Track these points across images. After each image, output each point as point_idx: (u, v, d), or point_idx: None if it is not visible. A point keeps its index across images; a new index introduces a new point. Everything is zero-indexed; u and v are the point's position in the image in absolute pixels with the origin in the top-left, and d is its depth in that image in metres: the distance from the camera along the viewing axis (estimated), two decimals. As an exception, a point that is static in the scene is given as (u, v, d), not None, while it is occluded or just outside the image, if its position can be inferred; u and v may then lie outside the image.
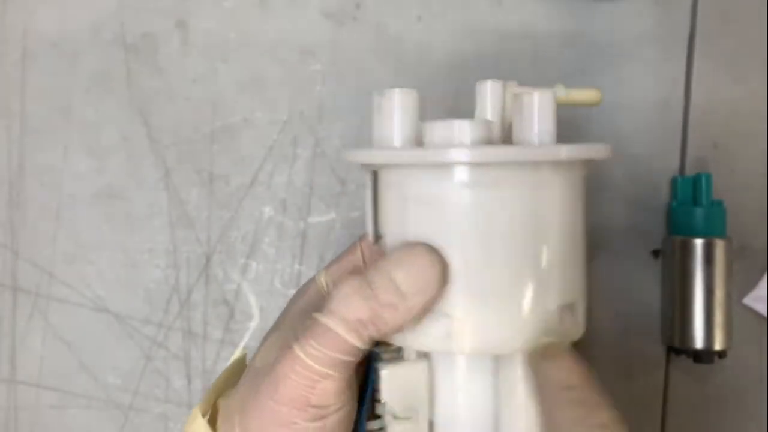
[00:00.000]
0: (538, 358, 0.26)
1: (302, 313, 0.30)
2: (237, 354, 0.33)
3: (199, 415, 0.28)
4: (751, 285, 0.47)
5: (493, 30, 0.47)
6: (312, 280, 0.33)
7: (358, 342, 0.26)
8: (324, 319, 0.26)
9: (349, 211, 0.46)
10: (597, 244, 0.47)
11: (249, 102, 0.46)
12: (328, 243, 0.46)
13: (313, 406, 0.25)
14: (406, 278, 0.25)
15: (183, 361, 0.45)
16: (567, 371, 0.25)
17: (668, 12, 0.48)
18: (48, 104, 0.46)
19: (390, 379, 0.27)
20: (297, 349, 0.26)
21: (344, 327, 0.25)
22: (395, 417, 0.27)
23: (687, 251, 0.45)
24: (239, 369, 0.32)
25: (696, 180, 0.45)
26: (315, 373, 0.25)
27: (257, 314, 0.42)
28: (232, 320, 0.46)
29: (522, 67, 0.47)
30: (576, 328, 0.30)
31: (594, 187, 0.47)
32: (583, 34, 0.47)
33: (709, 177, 0.45)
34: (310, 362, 0.25)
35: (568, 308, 0.28)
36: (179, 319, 0.46)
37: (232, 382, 0.31)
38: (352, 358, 0.26)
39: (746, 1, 0.48)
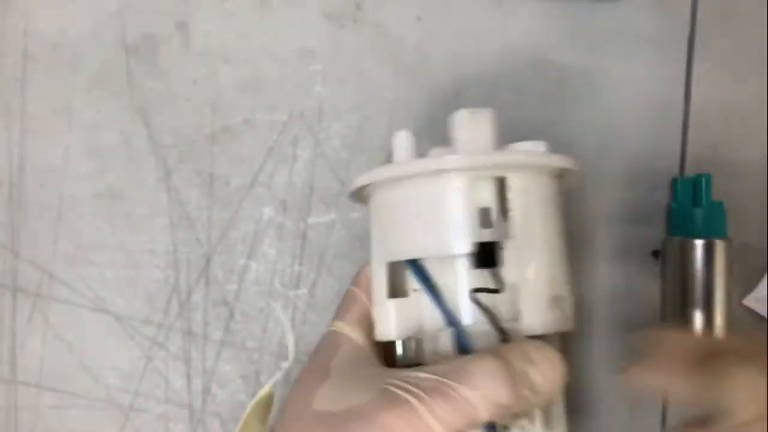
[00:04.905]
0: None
1: (352, 365, 0.31)
2: (264, 391, 0.34)
3: None
4: (751, 286, 0.47)
5: (493, 31, 0.47)
6: (334, 332, 0.34)
7: (486, 418, 0.27)
8: (467, 391, 0.26)
9: (349, 212, 0.46)
10: (597, 244, 0.47)
11: (249, 103, 0.46)
12: (329, 244, 0.46)
13: None
14: (542, 377, 0.28)
15: (183, 362, 0.46)
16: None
17: (668, 13, 0.48)
18: (48, 105, 0.46)
19: None
20: (420, 408, 0.26)
21: (484, 404, 0.26)
22: None
23: (687, 252, 0.45)
24: (267, 405, 0.33)
25: (696, 181, 0.45)
26: None
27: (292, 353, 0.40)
28: (232, 321, 0.46)
29: (522, 67, 0.47)
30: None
31: (594, 187, 0.47)
32: (583, 35, 0.48)
33: (709, 178, 0.45)
34: (432, 422, 0.26)
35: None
36: (179, 319, 0.46)
37: (261, 419, 0.31)
38: (470, 429, 0.27)
39: (746, 2, 0.48)
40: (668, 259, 0.46)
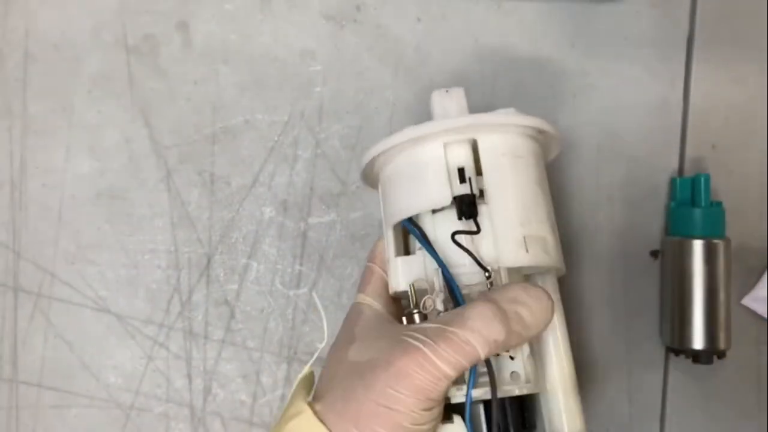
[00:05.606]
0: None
1: (374, 326, 0.36)
2: (306, 370, 0.37)
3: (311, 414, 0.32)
4: (750, 285, 0.48)
5: (493, 31, 0.47)
6: (358, 304, 0.38)
7: (484, 356, 0.31)
8: (466, 334, 0.31)
9: (349, 212, 0.46)
10: (596, 243, 0.47)
11: (250, 103, 0.46)
12: (329, 243, 0.46)
13: (430, 399, 0.31)
14: (531, 315, 0.32)
15: (184, 361, 0.46)
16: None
17: (667, 14, 0.48)
18: (50, 105, 0.46)
19: None
20: (428, 352, 0.31)
21: (482, 343, 0.31)
22: None
23: (686, 252, 0.45)
24: (310, 381, 0.37)
25: (695, 181, 0.46)
26: (442, 374, 0.30)
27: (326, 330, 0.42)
28: (233, 320, 0.46)
29: (521, 68, 0.47)
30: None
31: (593, 187, 0.47)
32: (583, 36, 0.48)
33: (707, 178, 0.45)
34: (440, 363, 0.30)
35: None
36: (180, 319, 0.46)
37: (306, 392, 0.35)
38: (470, 367, 0.32)
39: (745, 3, 0.48)
40: (667, 258, 0.47)
